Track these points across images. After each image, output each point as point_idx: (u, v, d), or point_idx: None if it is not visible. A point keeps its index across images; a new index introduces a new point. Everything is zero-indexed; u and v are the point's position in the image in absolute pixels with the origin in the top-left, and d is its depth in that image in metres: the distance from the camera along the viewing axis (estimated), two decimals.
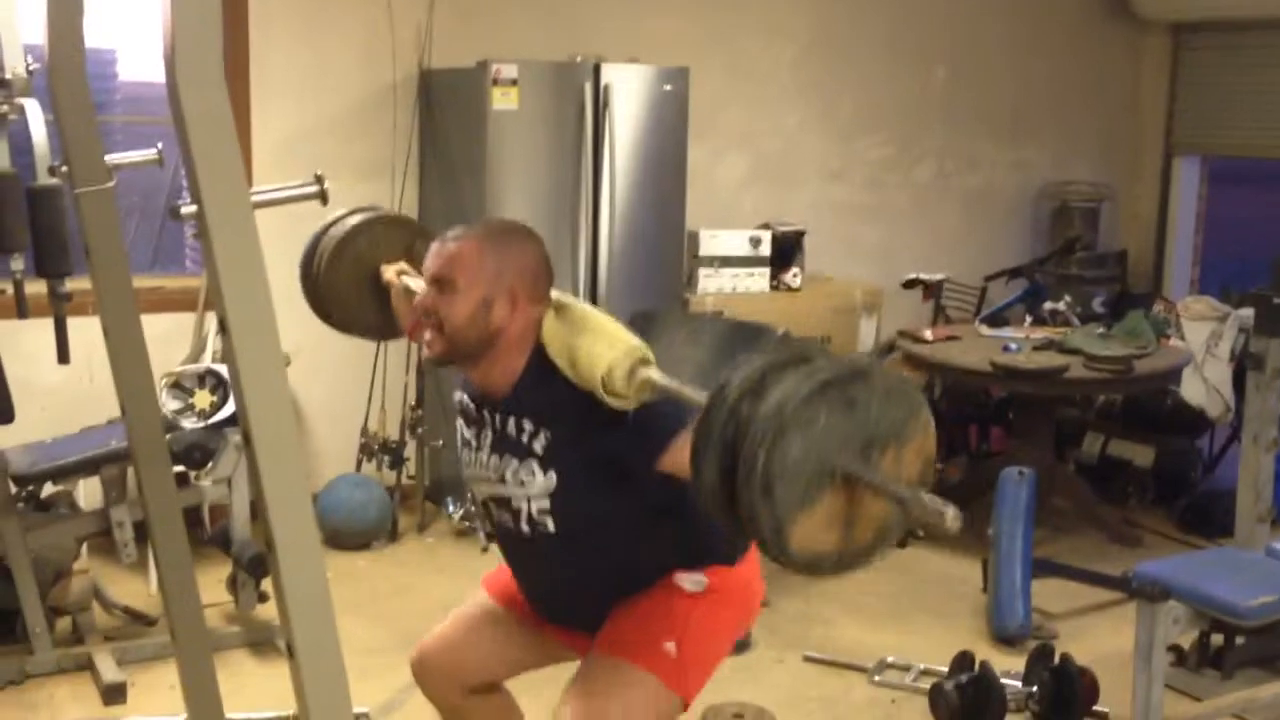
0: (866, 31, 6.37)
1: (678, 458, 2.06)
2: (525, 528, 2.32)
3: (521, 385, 2.28)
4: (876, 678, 3.95)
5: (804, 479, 1.59)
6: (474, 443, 2.38)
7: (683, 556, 2.37)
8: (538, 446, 2.26)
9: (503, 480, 2.31)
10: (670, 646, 2.31)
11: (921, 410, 1.70)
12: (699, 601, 2.36)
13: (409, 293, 2.54)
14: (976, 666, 3.64)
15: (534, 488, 2.27)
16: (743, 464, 1.59)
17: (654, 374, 2.07)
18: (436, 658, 2.60)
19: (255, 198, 1.73)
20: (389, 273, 2.64)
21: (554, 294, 2.29)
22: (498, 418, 2.32)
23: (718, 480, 1.64)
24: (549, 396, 2.23)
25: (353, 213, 2.70)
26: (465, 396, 2.42)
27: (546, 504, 2.28)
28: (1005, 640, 4.20)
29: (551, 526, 2.29)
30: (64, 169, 2.27)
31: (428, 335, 2.29)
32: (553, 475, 2.25)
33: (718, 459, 1.64)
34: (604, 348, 2.13)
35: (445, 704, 2.64)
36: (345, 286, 2.66)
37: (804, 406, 1.58)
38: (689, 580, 2.36)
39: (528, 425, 2.27)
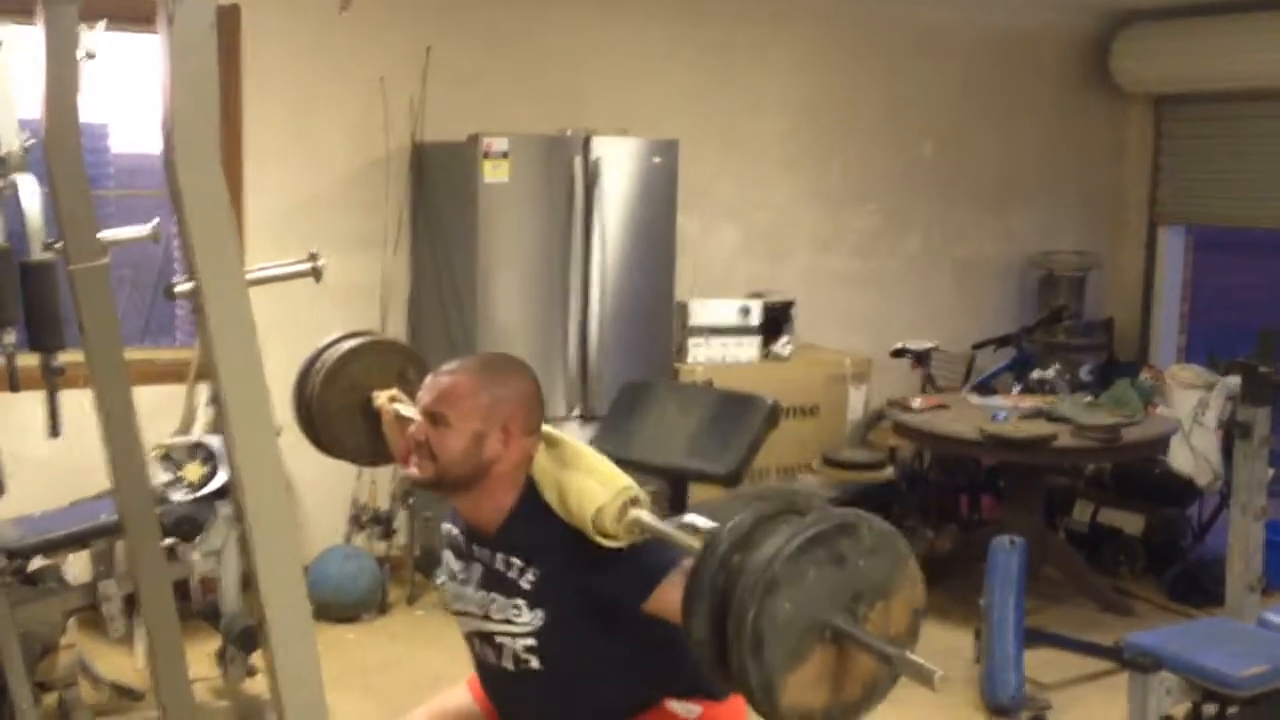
0: (856, 105, 6.45)
1: (666, 600, 2.07)
2: (510, 665, 2.31)
3: (512, 521, 2.28)
4: None
5: (793, 636, 1.61)
6: (462, 576, 2.38)
7: (672, 690, 2.36)
8: (526, 584, 2.25)
9: (488, 617, 2.31)
10: (694, 709, 2.31)
11: (908, 562, 1.71)
12: None
13: (400, 419, 2.55)
14: None
15: (520, 625, 2.27)
16: (732, 621, 1.61)
17: (644, 515, 2.08)
18: None
19: (250, 275, 1.74)
20: (380, 399, 2.65)
21: (546, 429, 2.30)
22: (486, 552, 2.32)
23: (709, 635, 1.66)
24: (539, 533, 2.23)
25: (346, 337, 2.72)
26: (455, 529, 2.42)
27: (533, 642, 2.27)
28: (999, 711, 4.18)
29: (537, 664, 2.28)
30: (59, 245, 2.29)
31: (417, 459, 2.29)
32: (540, 613, 2.25)
33: (708, 614, 1.65)
34: (595, 486, 2.13)
35: None
36: (337, 411, 2.66)
37: (793, 562, 1.60)
38: (681, 708, 2.34)
39: (516, 561, 2.27)
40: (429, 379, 2.32)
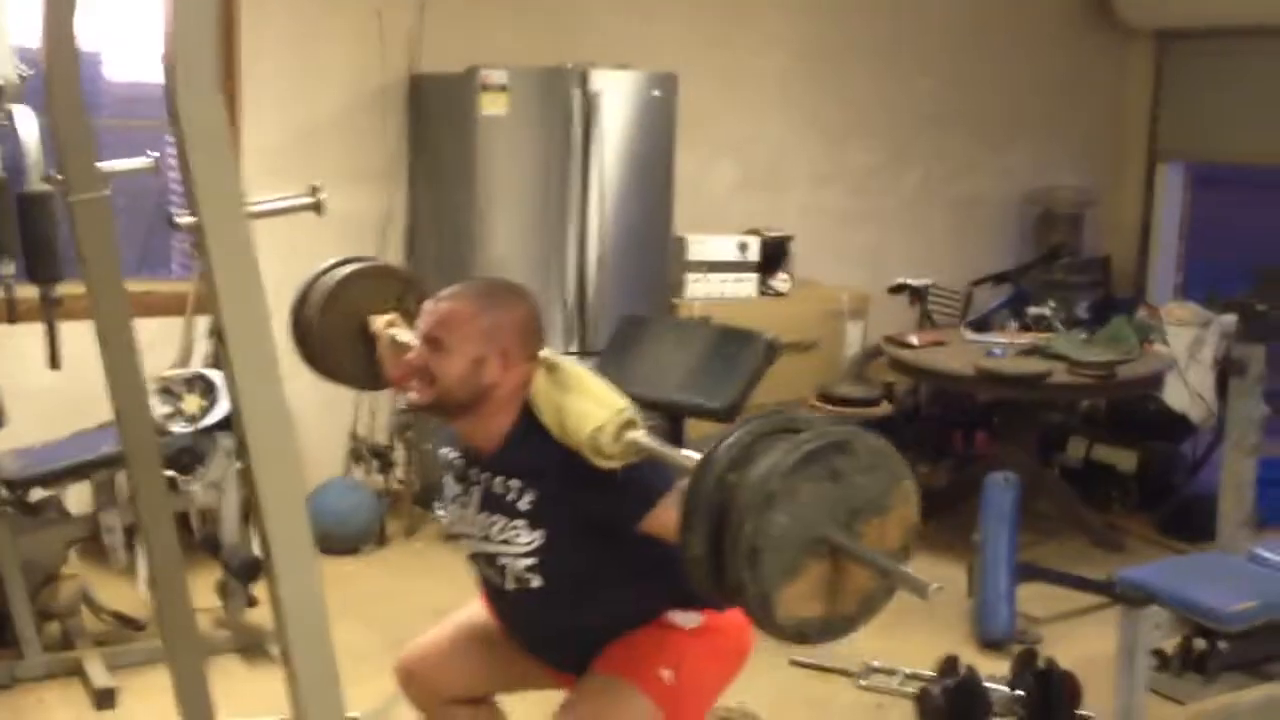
0: (855, 40, 6.41)
1: (662, 520, 2.11)
2: (511, 584, 2.34)
3: (509, 443, 2.30)
4: (863, 682, 3.97)
5: (790, 550, 1.63)
6: (462, 498, 2.41)
7: (673, 601, 2.39)
8: (524, 505, 2.28)
9: (488, 538, 2.34)
10: (667, 674, 2.34)
11: (904, 480, 1.73)
12: (696, 637, 2.38)
13: (396, 344, 2.56)
14: (962, 670, 3.66)
15: (520, 546, 2.30)
16: (729, 535, 1.63)
17: (641, 436, 2.10)
18: (422, 667, 2.62)
19: (251, 209, 1.74)
20: (378, 324, 2.65)
21: (545, 353, 2.31)
22: (485, 475, 2.35)
23: (705, 551, 1.68)
24: (537, 455, 2.25)
25: (345, 262, 2.72)
26: (453, 454, 2.44)
27: (533, 561, 2.30)
28: (990, 644, 4.23)
29: (538, 583, 2.32)
30: (58, 176, 2.28)
31: (416, 384, 2.30)
32: (539, 533, 2.28)
33: (705, 529, 1.68)
34: (593, 407, 2.14)
35: (428, 710, 2.66)
36: (334, 335, 2.67)
37: (789, 477, 1.62)
38: (682, 617, 2.38)
39: (515, 483, 2.29)
40: (428, 304, 2.33)
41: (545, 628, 2.45)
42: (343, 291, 2.68)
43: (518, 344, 2.28)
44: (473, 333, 2.26)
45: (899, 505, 1.73)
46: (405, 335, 2.49)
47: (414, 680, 2.63)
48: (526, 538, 2.29)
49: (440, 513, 5.32)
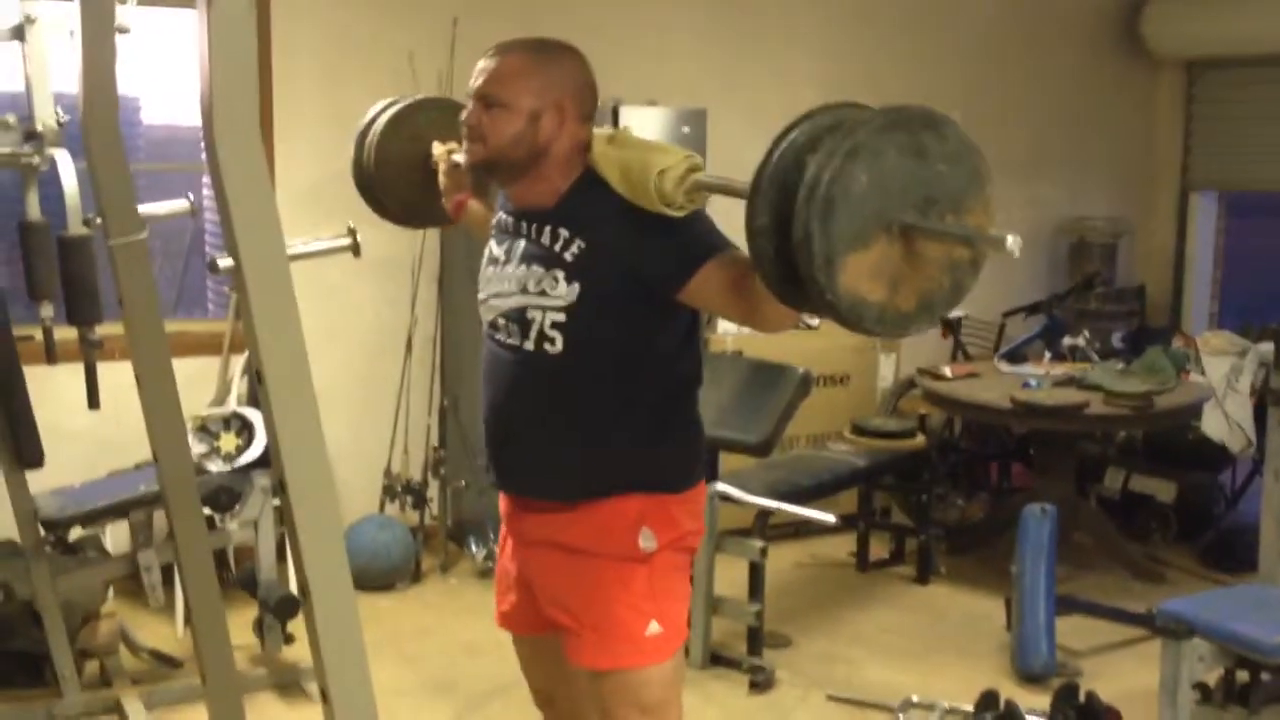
0: (882, 73, 6.42)
1: (709, 281, 2.12)
2: (530, 344, 2.28)
3: (568, 196, 2.27)
4: (901, 717, 3.94)
5: (862, 215, 1.57)
6: (502, 258, 2.36)
7: (648, 465, 2.33)
8: (569, 255, 2.24)
9: (524, 290, 2.28)
10: (654, 626, 2.32)
11: (986, 183, 1.68)
12: (655, 563, 2.33)
13: (455, 167, 2.54)
14: (1002, 705, 3.63)
15: (554, 298, 2.24)
16: (805, 187, 1.57)
17: (705, 176, 2.07)
18: (541, 696, 2.69)
19: (290, 251, 1.76)
20: (439, 149, 2.64)
21: (604, 128, 2.28)
22: (534, 227, 2.30)
23: (770, 221, 1.63)
24: (594, 206, 2.22)
25: (412, 96, 2.72)
26: (503, 213, 2.40)
27: (562, 317, 2.24)
28: (1030, 678, 4.19)
29: (559, 345, 2.25)
30: (98, 220, 2.31)
31: (469, 145, 2.27)
32: (576, 286, 2.22)
33: (774, 196, 1.62)
34: (659, 156, 2.11)
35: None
36: (396, 159, 2.66)
37: (876, 136, 1.57)
38: (643, 537, 2.32)
39: (564, 233, 2.25)
40: (479, 63, 2.29)
41: (537, 412, 2.34)
42: (411, 115, 2.67)
43: (573, 100, 2.25)
44: (526, 87, 2.22)
45: (976, 209, 1.67)
46: (464, 158, 2.43)
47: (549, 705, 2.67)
48: (562, 290, 2.23)
49: (474, 549, 5.32)
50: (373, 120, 2.70)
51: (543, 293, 2.26)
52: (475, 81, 2.28)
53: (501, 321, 2.35)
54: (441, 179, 2.65)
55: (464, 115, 2.30)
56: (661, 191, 2.09)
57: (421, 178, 2.69)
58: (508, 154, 2.25)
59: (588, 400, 2.30)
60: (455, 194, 2.62)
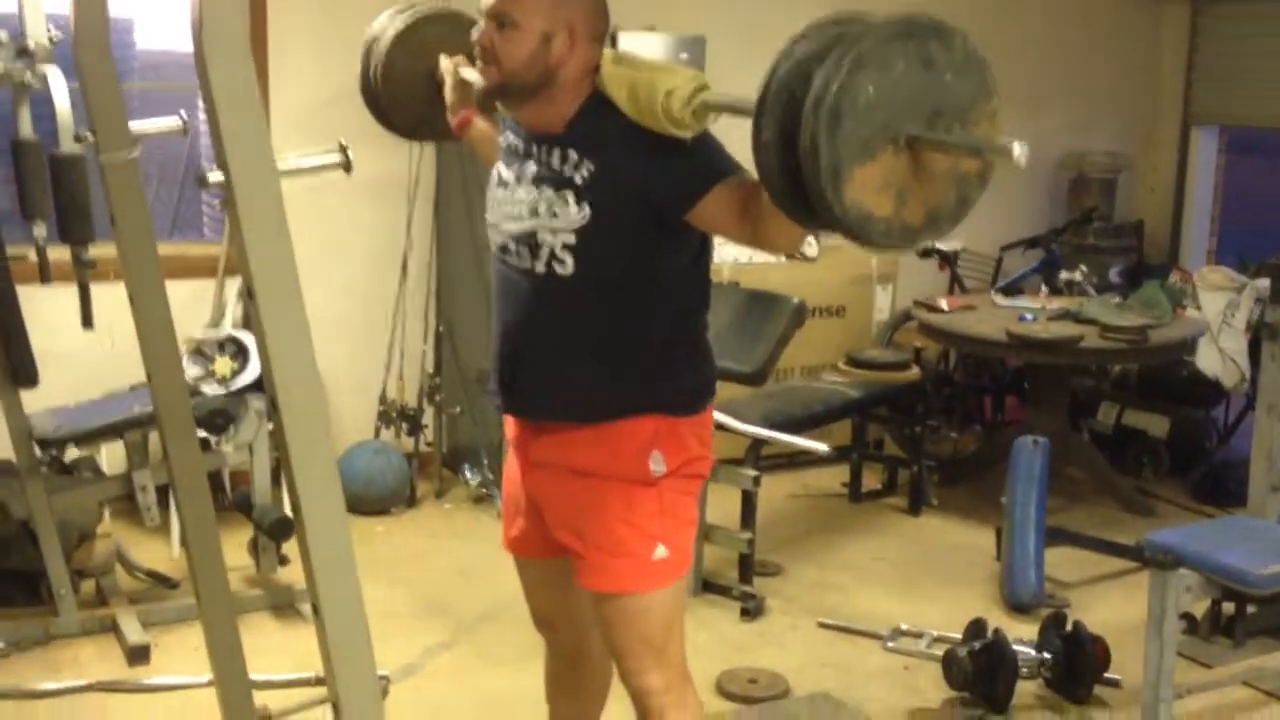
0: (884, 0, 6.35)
1: (718, 202, 2.12)
2: (541, 267, 2.29)
3: (577, 119, 2.27)
4: (890, 644, 3.98)
5: (869, 126, 1.56)
6: (512, 180, 2.36)
7: (658, 388, 2.34)
8: (579, 178, 2.24)
9: (535, 213, 2.29)
10: (661, 550, 2.34)
11: (993, 95, 1.67)
12: (664, 486, 2.35)
13: (463, 84, 2.54)
14: (989, 634, 3.67)
15: (564, 220, 2.25)
16: (811, 97, 1.56)
17: (713, 95, 2.07)
18: (539, 618, 2.71)
19: (281, 167, 1.75)
20: (446, 63, 2.63)
21: (613, 49, 2.27)
22: (544, 150, 2.30)
23: (775, 136, 1.61)
24: (602, 128, 2.22)
25: (421, 7, 2.70)
26: (512, 135, 2.40)
27: (572, 239, 2.25)
28: (1018, 608, 4.23)
29: (569, 267, 2.26)
30: (89, 136, 2.29)
31: (482, 66, 2.27)
32: (586, 209, 2.23)
33: (780, 111, 1.61)
34: (665, 75, 2.11)
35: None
36: (401, 73, 2.65)
37: (883, 46, 1.56)
38: (653, 459, 2.34)
39: (573, 155, 2.25)
40: None
41: (549, 334, 2.36)
42: (418, 28, 2.65)
43: (585, 21, 2.25)
44: (539, 7, 2.22)
45: (982, 122, 1.66)
46: (473, 75, 2.43)
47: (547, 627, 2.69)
48: (572, 211, 2.24)
49: (469, 475, 5.33)
50: (379, 33, 2.67)
51: (553, 215, 2.26)
52: (486, 1, 2.26)
53: (512, 245, 2.35)
54: (447, 93, 2.63)
55: (475, 34, 2.29)
56: (669, 112, 2.08)
57: (427, 92, 2.67)
58: (521, 75, 2.24)
59: (598, 321, 2.31)
60: (460, 109, 2.60)
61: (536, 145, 2.32)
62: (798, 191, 1.66)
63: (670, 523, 2.37)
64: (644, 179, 2.19)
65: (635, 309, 2.31)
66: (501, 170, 2.42)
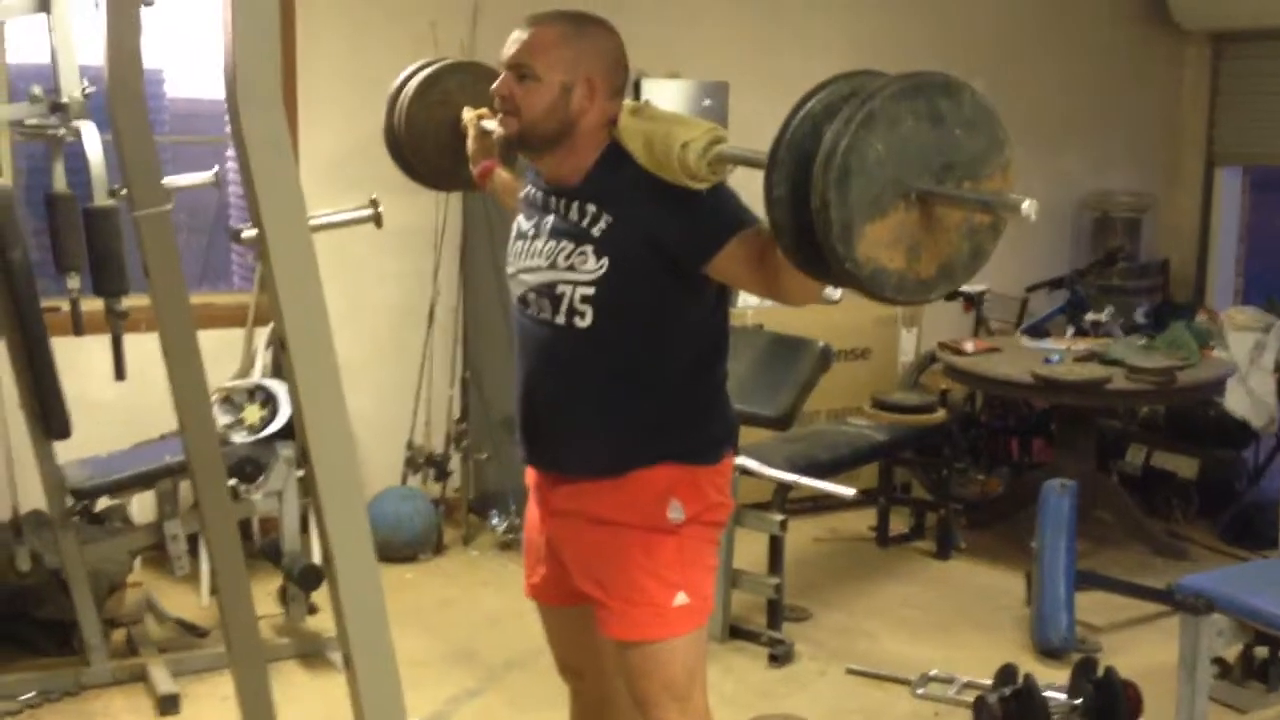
0: (904, 43, 6.38)
1: (734, 257, 2.14)
2: (561, 318, 2.30)
3: (594, 172, 2.29)
4: (920, 690, 3.96)
5: (879, 183, 1.57)
6: (531, 232, 2.38)
7: (678, 438, 2.35)
8: (597, 230, 2.26)
9: (554, 265, 2.30)
10: (681, 597, 2.34)
11: (1005, 147, 1.66)
12: (683, 534, 2.35)
13: (484, 134, 2.56)
14: (1020, 679, 3.64)
15: (583, 273, 2.26)
16: (821, 155, 1.57)
17: (729, 148, 2.08)
18: (565, 664, 2.70)
19: (313, 222, 1.78)
20: (469, 114, 2.66)
21: (633, 100, 2.29)
22: (563, 203, 2.32)
23: (787, 191, 1.63)
24: (619, 181, 2.23)
25: (445, 59, 2.75)
26: (532, 188, 2.43)
27: (591, 291, 2.26)
28: (1049, 653, 4.20)
29: (588, 319, 2.27)
30: (124, 191, 2.33)
31: (502, 117, 2.30)
32: (605, 261, 2.24)
33: (791, 167, 1.62)
34: (680, 128, 2.13)
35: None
36: (424, 122, 2.69)
37: (892, 103, 1.57)
38: (671, 508, 2.34)
39: (591, 209, 2.27)
40: (512, 34, 2.31)
41: (566, 384, 2.37)
42: (440, 79, 2.69)
43: (604, 74, 2.27)
44: (559, 59, 2.25)
45: (995, 174, 1.66)
46: (494, 126, 2.44)
47: (574, 674, 2.69)
48: (591, 264, 2.25)
49: (496, 522, 5.33)
50: (404, 82, 2.72)
51: (571, 267, 2.28)
52: (508, 51, 2.29)
53: (532, 296, 2.37)
54: (470, 144, 2.67)
55: (496, 85, 2.32)
56: (685, 164, 2.09)
57: (450, 142, 2.71)
58: (540, 126, 2.27)
59: (616, 373, 2.33)
60: (482, 160, 2.63)
61: (555, 198, 2.35)
62: (810, 247, 1.67)
63: (690, 570, 2.37)
64: (661, 232, 2.21)
65: (654, 360, 2.32)
66: (521, 222, 2.45)
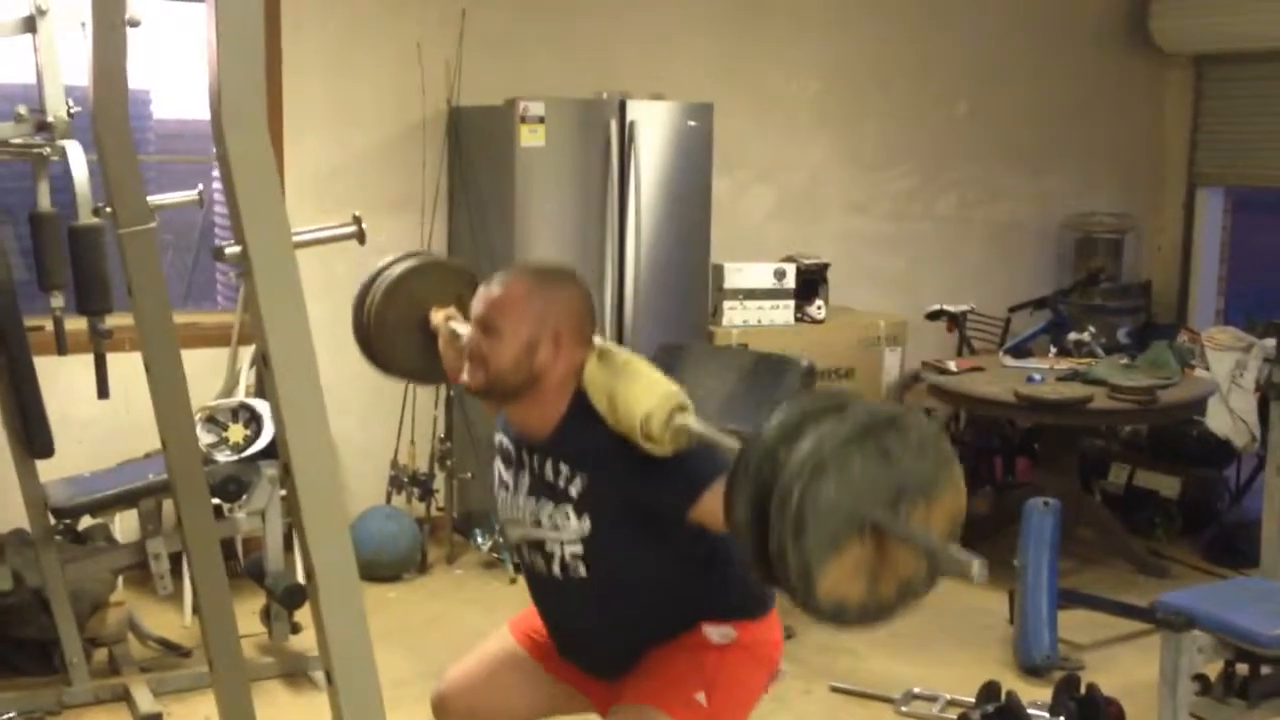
0: (889, 65, 6.43)
1: (711, 508, 2.08)
2: (558, 572, 2.35)
3: (562, 429, 2.31)
4: (903, 708, 3.96)
5: (834, 523, 1.60)
6: (511, 485, 2.42)
7: (710, 609, 2.40)
8: (574, 491, 2.28)
9: (538, 524, 2.34)
10: (700, 697, 2.34)
11: (953, 467, 1.70)
12: (726, 654, 2.38)
13: (455, 337, 2.58)
14: (1003, 697, 3.65)
15: (568, 532, 2.30)
16: (776, 502, 1.61)
17: (691, 421, 2.10)
18: (456, 698, 2.62)
19: (296, 238, 1.78)
20: (437, 316, 2.68)
21: (597, 340, 2.32)
22: (535, 459, 2.35)
23: (749, 519, 1.67)
24: (588, 441, 2.25)
25: (408, 256, 2.75)
26: (504, 438, 2.45)
27: (580, 549, 2.30)
28: (1032, 671, 4.21)
29: (583, 572, 2.32)
30: (108, 210, 2.33)
31: (470, 369, 2.32)
32: (587, 520, 2.28)
33: (751, 498, 1.66)
34: (642, 393, 2.15)
35: None
36: (394, 326, 2.69)
37: (841, 450, 1.61)
38: (716, 633, 2.38)
39: (564, 469, 2.30)
40: (481, 289, 2.34)
41: (585, 621, 2.44)
42: (405, 283, 2.69)
43: (570, 328, 2.29)
44: (525, 317, 2.27)
45: (946, 493, 1.69)
46: (463, 328, 2.49)
47: (449, 711, 2.62)
48: (574, 524, 2.29)
49: (480, 540, 5.33)
50: (370, 284, 2.71)
51: (556, 527, 2.32)
52: (477, 307, 2.33)
53: (525, 549, 2.42)
54: (441, 346, 2.68)
55: (465, 341, 2.37)
56: (648, 435, 2.12)
57: (421, 340, 2.72)
58: (506, 379, 2.29)
59: (628, 606, 2.38)
60: (455, 363, 2.59)
61: (528, 453, 2.38)
62: (775, 575, 1.70)
63: (722, 690, 2.36)
64: (636, 491, 2.23)
65: (661, 584, 2.36)
66: (500, 471, 2.47)
